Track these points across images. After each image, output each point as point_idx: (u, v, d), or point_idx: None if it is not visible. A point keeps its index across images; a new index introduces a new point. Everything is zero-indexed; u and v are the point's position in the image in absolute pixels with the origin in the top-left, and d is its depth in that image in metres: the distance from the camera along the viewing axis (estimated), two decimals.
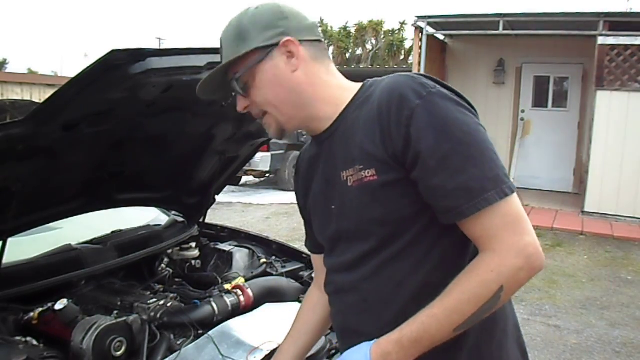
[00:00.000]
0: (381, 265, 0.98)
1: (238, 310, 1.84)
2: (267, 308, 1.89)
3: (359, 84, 1.06)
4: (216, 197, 2.34)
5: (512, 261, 0.86)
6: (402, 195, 0.94)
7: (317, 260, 1.26)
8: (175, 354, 1.56)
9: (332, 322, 1.18)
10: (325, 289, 1.16)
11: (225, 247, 2.34)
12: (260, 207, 7.77)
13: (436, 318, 0.89)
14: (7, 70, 27.95)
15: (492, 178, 0.87)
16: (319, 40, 1.04)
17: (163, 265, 2.17)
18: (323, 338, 1.71)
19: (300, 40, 0.99)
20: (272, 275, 2.19)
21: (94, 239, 2.00)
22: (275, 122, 1.05)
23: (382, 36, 27.69)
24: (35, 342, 1.48)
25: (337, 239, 1.06)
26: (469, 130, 0.89)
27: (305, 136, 9.26)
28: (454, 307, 0.88)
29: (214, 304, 1.79)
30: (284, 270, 2.22)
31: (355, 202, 0.98)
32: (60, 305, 1.55)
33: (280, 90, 1.00)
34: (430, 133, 0.87)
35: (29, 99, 8.37)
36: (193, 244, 2.25)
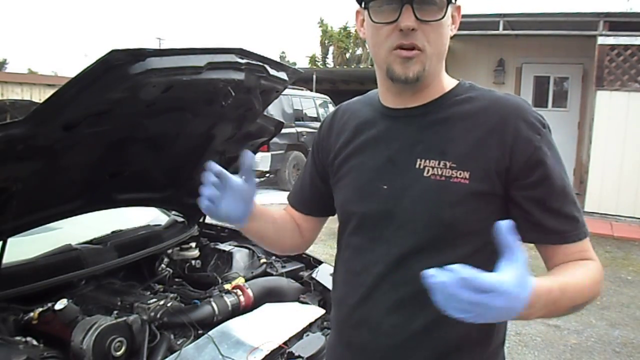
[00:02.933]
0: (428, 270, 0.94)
1: (238, 310, 1.84)
2: (267, 308, 1.89)
3: (452, 78, 1.03)
4: None
5: (601, 278, 0.96)
6: (481, 208, 0.93)
7: (294, 212, 1.22)
8: (175, 354, 1.56)
9: (337, 309, 1.09)
10: (339, 267, 1.09)
11: (225, 247, 2.34)
12: None
13: (568, 289, 0.87)
14: (7, 70, 27.95)
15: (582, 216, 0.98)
16: None
17: (163, 265, 2.17)
18: (323, 338, 1.72)
19: None
20: (272, 275, 2.20)
21: (94, 239, 2.00)
22: (421, 64, 0.94)
23: None
24: (35, 342, 1.48)
25: (378, 220, 0.99)
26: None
27: (305, 136, 9.27)
28: (579, 286, 0.90)
29: (214, 304, 1.79)
30: (284, 270, 2.22)
31: (427, 196, 0.94)
32: (60, 305, 1.55)
33: (445, 42, 0.97)
34: (554, 162, 0.94)
35: (29, 99, 8.36)
36: (193, 244, 2.25)
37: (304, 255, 2.29)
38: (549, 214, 0.93)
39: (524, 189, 0.92)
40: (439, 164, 0.94)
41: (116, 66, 1.26)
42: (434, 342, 0.97)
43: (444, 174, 0.93)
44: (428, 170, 0.95)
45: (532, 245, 0.98)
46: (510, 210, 0.94)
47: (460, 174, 0.92)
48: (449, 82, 1.02)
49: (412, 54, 0.93)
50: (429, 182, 0.94)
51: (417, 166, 0.96)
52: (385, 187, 0.99)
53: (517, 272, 0.72)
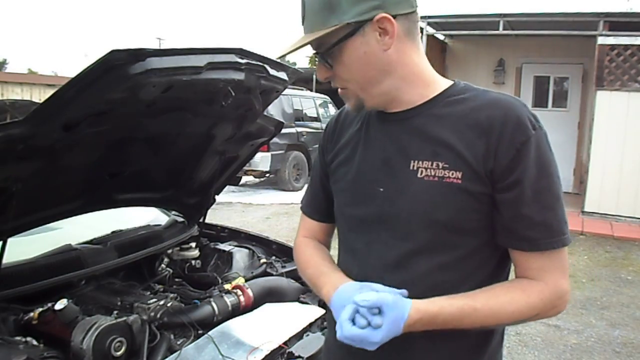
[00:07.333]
0: (428, 272, 0.95)
1: (238, 310, 1.84)
2: (267, 308, 1.89)
3: (445, 78, 1.02)
4: (216, 197, 2.34)
5: (556, 300, 0.94)
6: (476, 208, 0.93)
7: (314, 226, 1.20)
8: (175, 354, 1.56)
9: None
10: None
11: (225, 247, 2.34)
12: (260, 207, 7.77)
13: (475, 313, 0.91)
14: (7, 70, 27.93)
15: (566, 223, 0.94)
16: (414, 11, 0.96)
17: (163, 265, 2.17)
18: (323, 338, 1.71)
19: (395, 15, 0.92)
20: (272, 275, 2.19)
21: (94, 239, 2.00)
22: (355, 98, 0.98)
23: None
24: (35, 342, 1.48)
25: (374, 222, 1.00)
26: (558, 175, 0.95)
27: (305, 136, 9.26)
28: (495, 310, 0.92)
29: (214, 304, 1.79)
30: (284, 270, 2.22)
31: (422, 197, 0.94)
32: (60, 305, 1.55)
33: (368, 69, 0.94)
34: (535, 166, 0.91)
35: (29, 99, 8.36)
36: (193, 244, 2.25)
37: None
38: (519, 219, 0.92)
39: (499, 191, 0.92)
40: (432, 164, 0.94)
41: (116, 66, 1.27)
42: (434, 345, 0.97)
43: (437, 174, 0.93)
44: (422, 172, 0.95)
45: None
46: (492, 211, 0.94)
47: (452, 174, 0.92)
48: (441, 83, 1.01)
49: (341, 92, 1.00)
50: (423, 183, 0.94)
51: (411, 168, 0.96)
52: (381, 189, 0.99)
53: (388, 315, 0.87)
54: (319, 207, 1.19)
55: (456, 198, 0.92)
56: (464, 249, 0.95)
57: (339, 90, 1.00)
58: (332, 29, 0.91)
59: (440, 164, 0.93)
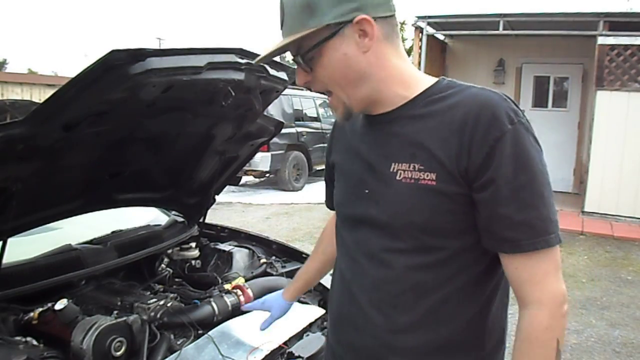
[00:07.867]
0: (409, 271, 0.95)
1: (238, 310, 1.84)
2: None
3: (431, 77, 1.01)
4: (216, 197, 2.34)
5: (559, 311, 0.89)
6: (453, 210, 0.91)
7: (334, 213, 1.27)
8: (175, 354, 1.56)
9: (330, 306, 1.16)
10: (335, 266, 1.15)
11: (225, 247, 2.34)
12: (260, 207, 7.76)
13: None
14: (7, 70, 27.91)
15: (554, 221, 0.90)
16: (392, 15, 0.95)
17: (163, 265, 2.17)
18: (323, 338, 1.72)
19: (375, 17, 0.91)
20: (272, 275, 2.20)
21: (94, 239, 2.00)
22: (342, 105, 0.98)
23: None
24: (35, 342, 1.48)
25: (361, 222, 1.02)
26: (542, 169, 0.90)
27: (305, 136, 9.26)
28: None
29: (214, 304, 1.79)
30: (284, 270, 2.22)
31: (399, 199, 0.94)
32: (60, 305, 1.55)
33: (348, 72, 0.94)
34: (511, 162, 0.87)
35: (29, 99, 8.36)
36: (193, 244, 2.25)
37: (303, 255, 2.29)
38: (497, 219, 0.88)
39: (475, 190, 0.89)
40: (409, 166, 0.94)
41: (116, 66, 1.27)
42: (419, 342, 0.97)
43: (413, 176, 0.93)
44: (400, 174, 0.95)
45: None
46: (474, 212, 0.91)
47: (427, 175, 0.92)
48: (423, 83, 1.00)
49: (330, 102, 1.01)
50: (401, 186, 0.94)
51: (391, 170, 0.96)
52: (367, 191, 1.01)
53: None
54: (331, 202, 1.22)
55: (431, 200, 0.91)
56: (445, 251, 0.94)
57: (328, 100, 1.01)
58: (312, 31, 0.91)
59: (416, 166, 0.93)
